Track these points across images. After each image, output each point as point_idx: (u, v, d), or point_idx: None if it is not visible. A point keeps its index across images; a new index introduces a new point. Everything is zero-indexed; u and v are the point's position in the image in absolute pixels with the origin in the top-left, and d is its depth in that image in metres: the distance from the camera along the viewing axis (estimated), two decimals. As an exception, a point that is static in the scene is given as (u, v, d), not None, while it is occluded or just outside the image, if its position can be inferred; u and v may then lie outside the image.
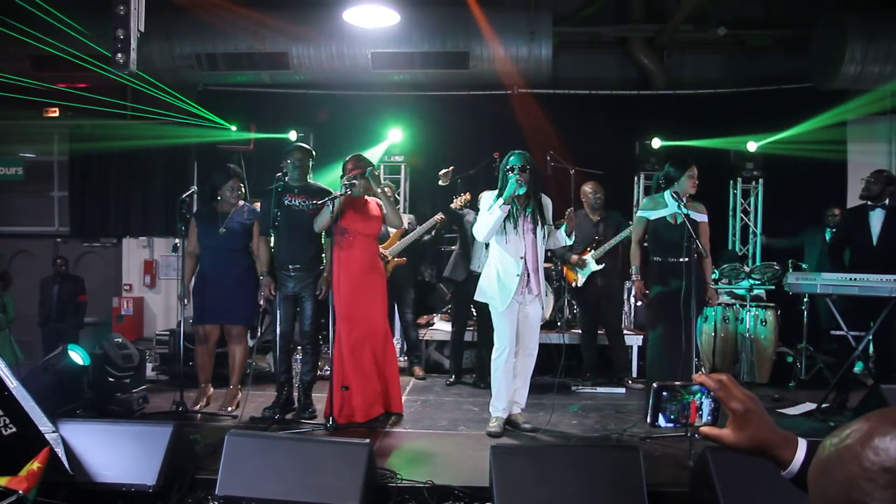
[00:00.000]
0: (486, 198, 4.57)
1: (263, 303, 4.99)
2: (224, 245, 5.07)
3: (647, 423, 1.29)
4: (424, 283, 6.93)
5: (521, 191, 4.40)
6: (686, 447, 4.08)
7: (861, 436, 0.80)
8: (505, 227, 4.49)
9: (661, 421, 1.27)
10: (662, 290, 4.83)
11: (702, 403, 1.27)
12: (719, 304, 6.52)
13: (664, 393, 1.27)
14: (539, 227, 4.57)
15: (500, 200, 4.39)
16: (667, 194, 4.88)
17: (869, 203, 5.42)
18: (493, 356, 4.60)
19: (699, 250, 4.53)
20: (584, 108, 8.14)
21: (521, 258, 4.48)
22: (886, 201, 5.35)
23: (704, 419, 1.27)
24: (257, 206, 5.35)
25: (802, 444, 1.17)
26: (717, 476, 3.14)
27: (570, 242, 4.77)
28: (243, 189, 5.27)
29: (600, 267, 6.09)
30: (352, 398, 4.73)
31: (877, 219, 5.34)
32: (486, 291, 4.62)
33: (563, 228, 4.68)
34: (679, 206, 4.57)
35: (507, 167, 4.52)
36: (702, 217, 4.83)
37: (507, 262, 4.51)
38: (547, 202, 4.69)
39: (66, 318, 7.94)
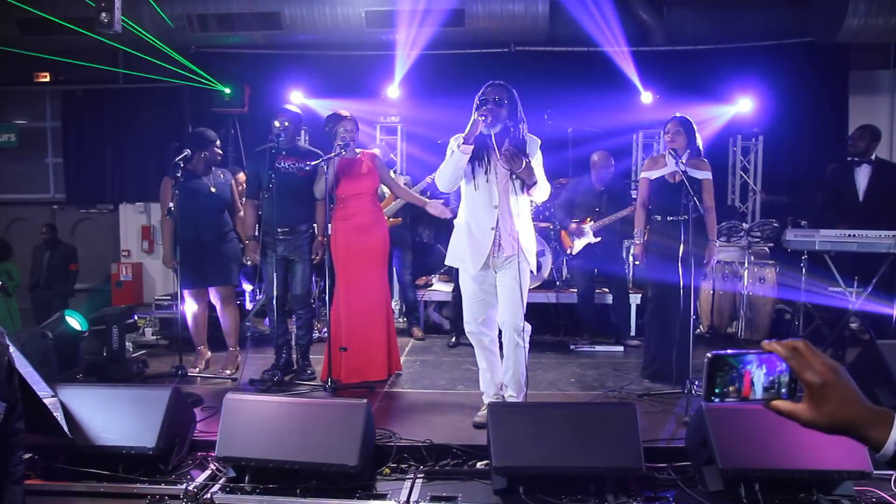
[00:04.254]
0: (453, 142, 3.81)
1: (249, 264, 4.99)
2: (208, 206, 5.02)
3: (703, 397, 1.12)
4: (422, 243, 6.91)
5: (493, 129, 3.73)
6: (684, 404, 4.10)
7: None
8: (474, 173, 3.80)
9: (715, 397, 1.11)
10: (661, 249, 4.82)
11: (755, 375, 1.09)
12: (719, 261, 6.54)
13: (718, 363, 1.09)
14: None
15: (461, 140, 3.71)
16: (666, 154, 4.85)
17: (855, 159, 5.40)
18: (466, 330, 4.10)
19: (697, 208, 4.49)
20: (582, 65, 8.02)
21: (496, 207, 3.78)
22: (873, 157, 5.34)
23: (759, 395, 1.09)
24: (241, 176, 5.28)
25: None
26: (713, 431, 3.17)
27: (543, 196, 3.93)
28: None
29: (597, 240, 6.00)
30: (350, 359, 4.74)
31: (863, 174, 5.34)
32: (456, 252, 3.96)
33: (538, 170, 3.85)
34: (677, 164, 4.51)
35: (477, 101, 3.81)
36: (704, 174, 4.73)
37: (478, 214, 3.82)
38: (530, 141, 3.87)
39: (53, 286, 7.89)
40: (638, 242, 4.98)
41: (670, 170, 4.78)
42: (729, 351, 1.10)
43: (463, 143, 3.67)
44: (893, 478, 3.20)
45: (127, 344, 5.48)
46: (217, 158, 5.12)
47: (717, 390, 1.10)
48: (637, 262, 5.18)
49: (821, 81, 7.83)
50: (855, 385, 1.03)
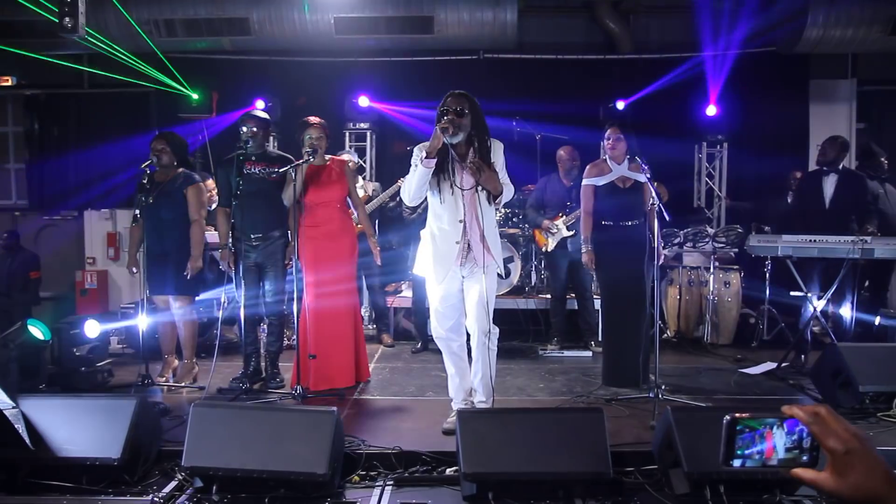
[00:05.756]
0: (417, 152, 3.72)
1: (188, 275, 4.93)
2: (156, 214, 4.92)
3: (720, 462, 1.06)
4: (391, 249, 6.90)
5: (455, 139, 3.66)
6: (650, 408, 4.16)
7: None
8: (439, 185, 3.75)
9: (734, 460, 1.06)
10: (612, 255, 4.88)
11: (777, 437, 1.05)
12: (679, 265, 6.64)
13: (738, 427, 1.05)
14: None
15: (423, 153, 3.64)
16: (608, 159, 4.94)
17: (824, 168, 5.54)
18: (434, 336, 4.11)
19: (662, 213, 4.55)
20: (550, 72, 8.10)
21: (460, 221, 3.75)
22: (840, 166, 5.48)
23: (781, 455, 1.05)
24: (210, 183, 5.20)
25: None
26: (678, 434, 3.21)
27: (507, 198, 3.90)
28: (168, 152, 4.97)
29: (571, 234, 6.09)
30: (319, 367, 4.72)
31: (829, 183, 5.47)
32: (423, 262, 3.98)
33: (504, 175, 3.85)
34: (644, 172, 4.54)
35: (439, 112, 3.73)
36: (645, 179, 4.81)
37: (444, 227, 3.79)
38: (495, 147, 3.82)
39: (12, 295, 7.63)
40: (587, 250, 4.97)
41: (617, 174, 4.85)
42: (747, 414, 1.05)
43: (426, 157, 3.61)
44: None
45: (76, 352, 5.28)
46: (159, 159, 4.96)
47: (738, 452, 1.05)
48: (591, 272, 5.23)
49: (783, 90, 8.01)
50: (880, 455, 0.97)
